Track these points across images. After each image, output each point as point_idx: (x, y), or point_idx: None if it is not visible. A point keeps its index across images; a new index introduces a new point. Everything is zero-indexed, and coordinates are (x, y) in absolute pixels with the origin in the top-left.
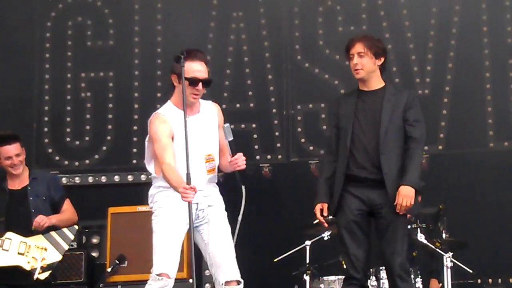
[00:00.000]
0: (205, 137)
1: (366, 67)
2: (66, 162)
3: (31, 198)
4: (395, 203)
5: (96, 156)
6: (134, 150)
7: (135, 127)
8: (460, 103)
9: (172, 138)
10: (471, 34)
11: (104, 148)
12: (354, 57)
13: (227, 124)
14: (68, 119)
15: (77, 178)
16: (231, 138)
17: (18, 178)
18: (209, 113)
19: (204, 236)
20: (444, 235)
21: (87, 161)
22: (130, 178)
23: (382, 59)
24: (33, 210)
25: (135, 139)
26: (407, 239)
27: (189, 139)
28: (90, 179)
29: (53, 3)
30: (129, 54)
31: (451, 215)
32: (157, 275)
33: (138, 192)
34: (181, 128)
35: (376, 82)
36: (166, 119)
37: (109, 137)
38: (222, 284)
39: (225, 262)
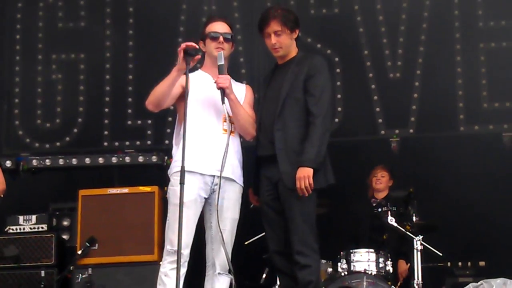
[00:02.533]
0: (226, 102)
1: (285, 44)
2: (37, 145)
3: None
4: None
5: (67, 139)
6: (105, 132)
7: (106, 109)
8: (431, 86)
9: (181, 96)
10: (442, 17)
11: (75, 130)
12: (272, 36)
13: (221, 52)
14: (39, 101)
15: (47, 160)
16: (221, 62)
17: None
18: (237, 88)
19: (209, 217)
20: (414, 218)
21: (58, 144)
22: (101, 160)
23: (297, 31)
24: None
25: (106, 121)
26: (309, 217)
27: (210, 95)
28: (61, 162)
29: None
30: (100, 36)
31: (421, 198)
32: (169, 249)
33: (109, 175)
34: (204, 87)
35: (291, 53)
36: (188, 76)
37: (80, 120)
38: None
39: (222, 255)
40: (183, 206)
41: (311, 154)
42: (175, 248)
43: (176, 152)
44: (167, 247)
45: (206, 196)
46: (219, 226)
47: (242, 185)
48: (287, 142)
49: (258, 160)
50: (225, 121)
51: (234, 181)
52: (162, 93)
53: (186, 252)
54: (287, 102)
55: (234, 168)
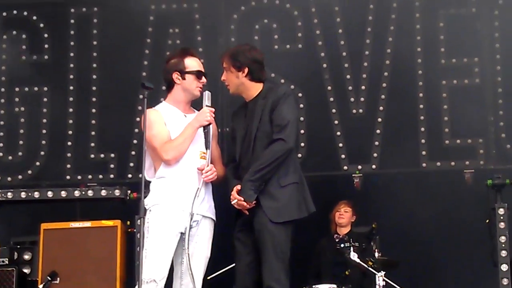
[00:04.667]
0: (201, 136)
1: (230, 81)
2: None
3: None
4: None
5: (29, 172)
6: (68, 166)
7: (69, 143)
8: (393, 122)
9: None
10: (405, 54)
11: (38, 163)
12: (224, 73)
13: (208, 92)
14: (1, 133)
15: (9, 194)
16: (208, 104)
17: None
18: None
19: (181, 253)
20: (376, 254)
21: (20, 176)
22: (63, 194)
23: (246, 70)
24: None
25: (69, 154)
26: (282, 251)
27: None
28: (23, 195)
29: None
30: (64, 69)
31: (384, 234)
32: (146, 280)
33: (71, 208)
34: (177, 124)
35: (253, 92)
36: (158, 111)
37: (42, 152)
38: None
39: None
40: (165, 238)
41: (247, 187)
42: (154, 277)
43: (158, 185)
44: (145, 277)
45: (183, 232)
46: (190, 268)
47: (215, 219)
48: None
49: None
50: (202, 158)
51: (211, 218)
52: (186, 149)
53: (161, 284)
54: (258, 137)
55: (210, 204)
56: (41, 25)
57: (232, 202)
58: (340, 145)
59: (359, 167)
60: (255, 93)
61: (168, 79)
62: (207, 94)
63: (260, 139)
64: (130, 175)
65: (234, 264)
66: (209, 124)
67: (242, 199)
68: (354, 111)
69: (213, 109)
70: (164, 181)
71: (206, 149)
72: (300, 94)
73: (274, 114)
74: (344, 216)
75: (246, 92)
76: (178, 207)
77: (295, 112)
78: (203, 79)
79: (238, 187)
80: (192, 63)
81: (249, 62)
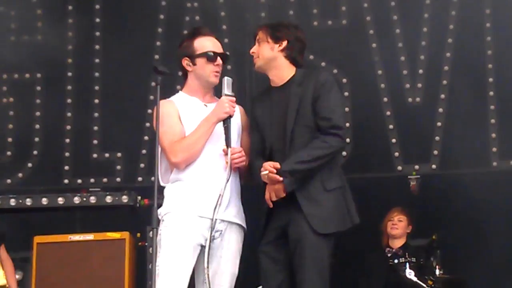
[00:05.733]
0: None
1: (262, 54)
2: None
3: None
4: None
5: (20, 175)
6: (66, 167)
7: (67, 140)
8: (457, 113)
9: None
10: (472, 29)
11: (30, 165)
12: (254, 46)
13: (227, 78)
14: None
15: None
16: (228, 92)
17: None
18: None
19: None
20: (437, 272)
21: (8, 181)
22: (60, 201)
23: (284, 43)
24: None
25: (67, 154)
26: (322, 266)
27: None
28: (12, 202)
29: None
30: (61, 52)
31: (446, 247)
32: None
33: (71, 218)
34: (196, 116)
35: (284, 73)
36: (173, 102)
37: (35, 152)
38: None
39: None
40: (180, 251)
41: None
42: None
43: (172, 189)
44: None
45: (204, 244)
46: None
47: (245, 227)
48: (308, 179)
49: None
50: (226, 154)
51: (239, 225)
52: (201, 149)
53: None
54: (296, 132)
55: (238, 209)
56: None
57: (262, 173)
58: (393, 141)
59: (416, 167)
60: (285, 77)
61: (181, 66)
62: (226, 81)
63: (299, 133)
64: (140, 179)
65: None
66: (229, 117)
67: (275, 171)
68: (410, 99)
69: (233, 99)
70: (180, 185)
71: (227, 147)
72: (344, 80)
73: (318, 105)
74: (398, 226)
75: (275, 71)
76: (195, 214)
77: (343, 104)
78: (218, 61)
79: (277, 164)
80: (204, 44)
81: (291, 36)
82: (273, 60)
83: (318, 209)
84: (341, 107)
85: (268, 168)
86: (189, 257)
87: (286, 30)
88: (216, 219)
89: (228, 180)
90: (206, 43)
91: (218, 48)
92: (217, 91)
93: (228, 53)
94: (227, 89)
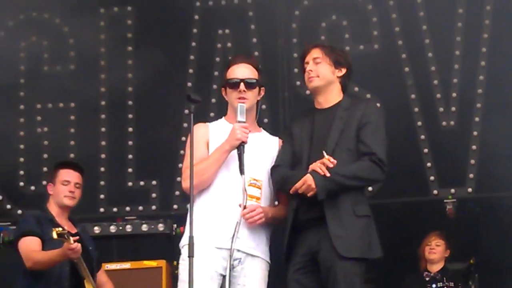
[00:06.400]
0: (256, 161)
1: (323, 74)
2: (20, 211)
3: (90, 248)
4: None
5: None
6: (102, 196)
7: (102, 169)
8: (492, 136)
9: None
10: (505, 52)
11: None
12: (309, 64)
13: (240, 104)
14: (22, 159)
15: None
16: (242, 119)
17: (64, 219)
18: (270, 143)
19: None
20: None
21: None
22: (96, 230)
23: (344, 70)
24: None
25: (102, 183)
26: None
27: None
28: None
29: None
30: (94, 81)
31: (484, 271)
32: None
33: (107, 247)
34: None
35: (333, 98)
36: (207, 127)
37: None
38: None
39: None
40: (197, 283)
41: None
42: None
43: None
44: None
45: (224, 274)
46: None
47: (269, 261)
48: (339, 201)
49: (293, 226)
50: (251, 185)
51: (258, 257)
52: (211, 176)
53: None
54: (337, 153)
55: (258, 241)
56: (66, 28)
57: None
58: (428, 164)
59: (452, 191)
60: (333, 101)
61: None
62: (239, 107)
63: (340, 156)
64: (175, 206)
65: None
66: (242, 144)
67: (331, 165)
68: (444, 123)
69: (246, 125)
70: (197, 214)
71: (241, 174)
72: (377, 104)
73: (363, 133)
74: (436, 250)
75: (327, 95)
76: (212, 245)
77: (385, 136)
78: (241, 87)
79: (330, 160)
80: (232, 72)
81: (349, 64)
82: (331, 84)
83: (344, 231)
84: (385, 143)
85: (326, 162)
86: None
87: (346, 57)
88: (233, 249)
89: (244, 207)
90: (234, 71)
91: (248, 74)
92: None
93: (255, 77)
94: (240, 115)
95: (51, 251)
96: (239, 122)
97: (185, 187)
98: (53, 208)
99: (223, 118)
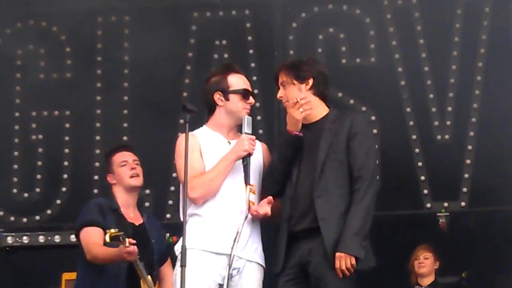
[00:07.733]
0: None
1: (291, 97)
2: (12, 218)
3: (153, 241)
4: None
5: (49, 211)
6: None
7: (95, 177)
8: (486, 150)
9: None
10: (501, 68)
11: (58, 201)
12: (280, 90)
13: (248, 117)
14: (15, 166)
15: (25, 238)
16: (249, 131)
17: (131, 207)
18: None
19: None
20: None
21: (37, 217)
22: None
23: (310, 81)
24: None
25: (95, 191)
26: None
27: None
28: (41, 239)
29: None
30: (90, 89)
31: (476, 285)
32: None
33: None
34: (218, 152)
35: (317, 112)
36: (196, 136)
37: (64, 189)
38: None
39: None
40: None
41: (354, 240)
42: None
43: (192, 227)
44: None
45: (222, 283)
46: None
47: (264, 266)
48: (331, 212)
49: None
50: (251, 192)
51: (258, 263)
52: (219, 186)
53: None
54: (327, 165)
55: (256, 248)
56: (62, 37)
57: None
58: (422, 178)
59: (445, 204)
60: (318, 115)
61: (209, 100)
62: (246, 119)
63: (330, 168)
64: (168, 215)
65: None
66: (248, 155)
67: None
68: (439, 137)
69: (253, 137)
70: (196, 220)
71: (246, 185)
72: (373, 118)
73: (353, 143)
74: (424, 264)
75: (314, 113)
76: (211, 251)
77: (375, 147)
78: (251, 100)
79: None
80: (237, 81)
81: (314, 72)
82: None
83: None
84: (375, 153)
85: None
86: None
87: (308, 67)
88: (234, 255)
89: (246, 217)
90: (240, 80)
91: (249, 86)
92: (240, 128)
93: (256, 91)
94: (247, 127)
95: (110, 249)
96: (247, 133)
97: (194, 197)
98: (118, 197)
99: (205, 126)
